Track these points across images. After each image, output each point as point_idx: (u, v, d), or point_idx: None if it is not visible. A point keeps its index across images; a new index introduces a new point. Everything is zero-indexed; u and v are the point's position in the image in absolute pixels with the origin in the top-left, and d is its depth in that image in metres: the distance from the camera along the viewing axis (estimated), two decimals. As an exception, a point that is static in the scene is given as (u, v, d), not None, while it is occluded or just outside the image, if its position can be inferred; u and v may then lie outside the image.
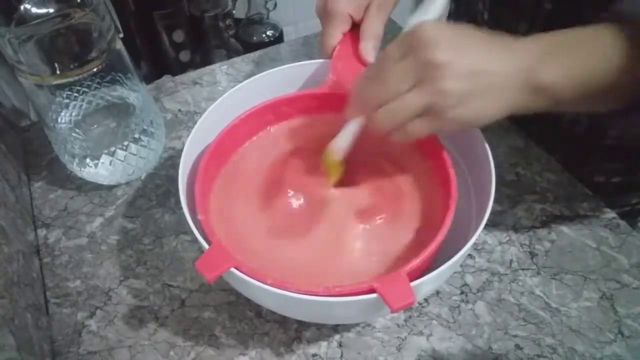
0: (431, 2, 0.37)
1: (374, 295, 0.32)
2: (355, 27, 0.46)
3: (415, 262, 0.33)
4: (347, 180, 0.43)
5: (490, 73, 0.32)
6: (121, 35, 0.49)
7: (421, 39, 0.31)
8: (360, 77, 0.36)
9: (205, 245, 0.35)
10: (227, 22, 1.11)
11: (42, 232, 0.52)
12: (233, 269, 0.33)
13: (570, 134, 0.53)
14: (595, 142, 0.53)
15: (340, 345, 0.42)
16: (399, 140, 0.35)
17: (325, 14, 0.46)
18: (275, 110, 0.45)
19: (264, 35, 1.22)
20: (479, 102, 0.32)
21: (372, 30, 0.45)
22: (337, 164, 0.40)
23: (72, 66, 0.45)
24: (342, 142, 0.39)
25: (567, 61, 0.32)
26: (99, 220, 0.52)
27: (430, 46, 0.31)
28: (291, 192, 0.43)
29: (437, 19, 0.37)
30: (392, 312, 0.31)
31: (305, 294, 0.32)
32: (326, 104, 0.46)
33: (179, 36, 1.03)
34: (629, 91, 0.33)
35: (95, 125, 0.53)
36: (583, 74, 0.32)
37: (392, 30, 0.72)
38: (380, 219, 0.41)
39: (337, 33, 0.46)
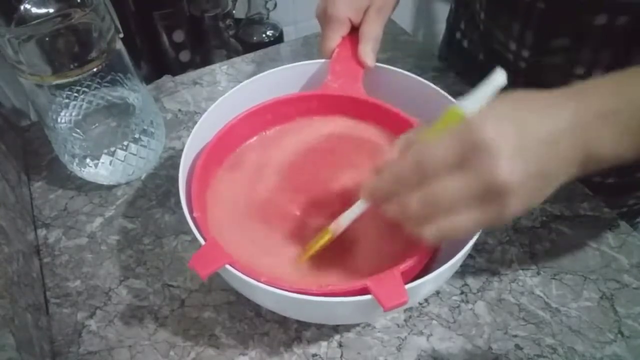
0: (487, 86, 0.30)
1: (367, 295, 0.32)
2: (354, 30, 0.47)
3: (410, 262, 0.33)
4: (346, 181, 0.43)
5: (551, 170, 0.28)
6: (121, 35, 0.49)
7: (483, 149, 0.27)
8: (398, 162, 0.30)
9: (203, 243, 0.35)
10: (227, 22, 1.10)
11: (42, 232, 0.52)
12: (227, 266, 0.33)
13: None
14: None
15: (340, 345, 0.42)
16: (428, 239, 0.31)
17: (325, 18, 0.46)
18: (274, 111, 0.45)
19: (264, 35, 1.22)
20: (540, 198, 0.29)
21: (371, 33, 0.45)
22: (328, 240, 0.37)
23: (72, 66, 0.45)
24: (344, 222, 0.36)
25: (620, 123, 0.29)
26: (99, 220, 0.52)
27: (494, 162, 0.26)
28: (289, 193, 0.43)
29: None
30: (385, 311, 0.31)
31: (298, 293, 0.32)
32: (325, 106, 0.46)
33: (179, 36, 1.03)
34: None
35: (95, 125, 0.53)
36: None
37: (391, 31, 0.72)
38: (377, 218, 0.41)
39: (337, 37, 0.46)
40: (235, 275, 0.33)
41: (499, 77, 0.29)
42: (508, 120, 0.28)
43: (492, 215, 0.28)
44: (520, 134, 0.27)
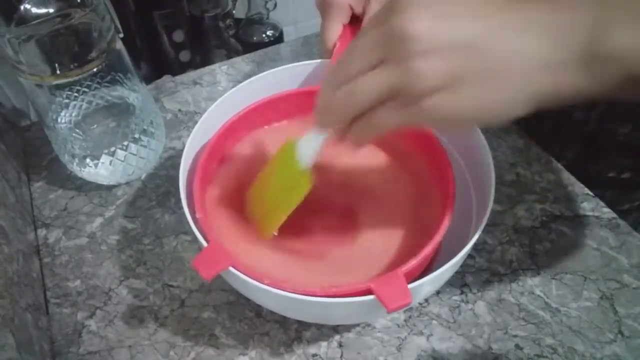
0: None
1: (370, 296, 0.32)
2: (356, 22, 0.46)
3: (413, 263, 0.33)
4: (346, 181, 0.43)
5: (494, 47, 0.22)
6: (121, 35, 0.49)
7: (395, 3, 0.23)
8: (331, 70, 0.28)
9: (205, 245, 0.35)
10: (227, 22, 1.10)
11: (42, 232, 0.52)
12: (230, 268, 0.33)
13: (582, 130, 0.53)
14: (605, 139, 0.52)
15: (340, 345, 0.42)
16: (360, 138, 0.27)
17: (325, 5, 0.45)
18: (274, 108, 0.45)
19: (264, 35, 1.22)
20: (475, 91, 0.22)
21: None
22: (306, 174, 0.34)
23: (72, 66, 0.45)
24: (308, 149, 0.33)
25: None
26: (99, 220, 0.52)
27: (400, 10, 0.22)
28: None
29: None
30: (389, 312, 0.31)
31: (302, 294, 0.32)
32: None
33: (179, 36, 1.03)
34: None
35: (95, 125, 0.53)
36: None
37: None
38: (378, 219, 0.41)
39: (337, 25, 0.45)
40: (238, 276, 0.33)
41: None
42: None
43: (396, 74, 0.23)
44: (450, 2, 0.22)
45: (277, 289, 0.33)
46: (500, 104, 0.23)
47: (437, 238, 0.34)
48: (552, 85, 0.22)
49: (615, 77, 0.21)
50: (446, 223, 0.35)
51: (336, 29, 0.45)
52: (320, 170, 0.44)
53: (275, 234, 0.38)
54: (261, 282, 0.33)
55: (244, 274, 0.33)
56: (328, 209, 0.42)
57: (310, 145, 0.33)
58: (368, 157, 0.44)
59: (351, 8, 0.45)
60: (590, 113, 0.52)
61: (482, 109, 0.23)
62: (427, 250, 0.34)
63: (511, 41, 0.22)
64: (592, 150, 0.54)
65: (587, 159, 0.53)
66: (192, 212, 0.38)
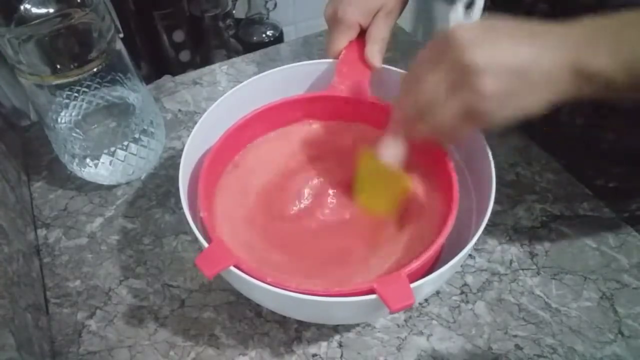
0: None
1: (373, 296, 0.32)
2: (361, 33, 0.47)
3: (416, 264, 0.33)
4: (346, 182, 0.43)
5: (529, 68, 0.30)
6: (121, 35, 0.49)
7: (453, 42, 0.30)
8: (400, 89, 0.35)
9: (205, 245, 0.35)
10: (227, 22, 1.10)
11: (42, 232, 0.52)
12: (232, 268, 0.33)
13: (568, 136, 0.53)
14: (592, 145, 0.53)
15: (340, 345, 0.42)
16: (441, 141, 0.36)
17: (334, 22, 0.46)
18: (280, 112, 0.45)
19: (264, 35, 1.22)
20: (520, 99, 0.31)
21: (379, 35, 0.45)
22: (400, 176, 0.38)
23: (72, 66, 0.45)
24: (392, 153, 0.37)
25: (617, 43, 0.30)
26: (99, 220, 0.52)
27: (462, 48, 0.30)
28: (294, 195, 0.43)
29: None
30: (392, 312, 0.31)
31: (305, 294, 0.32)
32: (331, 108, 0.46)
33: (179, 36, 1.03)
34: None
35: (95, 125, 0.53)
36: (635, 54, 0.29)
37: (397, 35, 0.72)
38: (381, 220, 0.41)
39: (345, 40, 0.46)
40: (239, 276, 0.33)
41: None
42: (484, 25, 0.31)
43: (470, 98, 0.30)
44: (494, 32, 0.30)
45: (280, 288, 0.33)
46: (537, 106, 0.31)
47: (440, 240, 0.34)
48: (565, 91, 0.30)
49: (600, 85, 0.30)
50: (449, 226, 0.35)
51: (343, 44, 0.46)
52: (326, 170, 0.44)
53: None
54: (264, 282, 0.33)
55: (246, 273, 0.33)
56: (333, 209, 0.42)
57: (392, 150, 0.37)
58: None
59: (359, 25, 0.46)
60: (575, 121, 0.52)
61: (522, 109, 0.31)
62: (430, 252, 0.34)
63: (541, 61, 0.30)
64: (578, 159, 0.54)
65: (574, 168, 0.53)
66: (192, 212, 0.38)
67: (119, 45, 0.48)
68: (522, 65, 0.30)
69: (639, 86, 0.30)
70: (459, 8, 0.37)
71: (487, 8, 0.56)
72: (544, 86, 0.30)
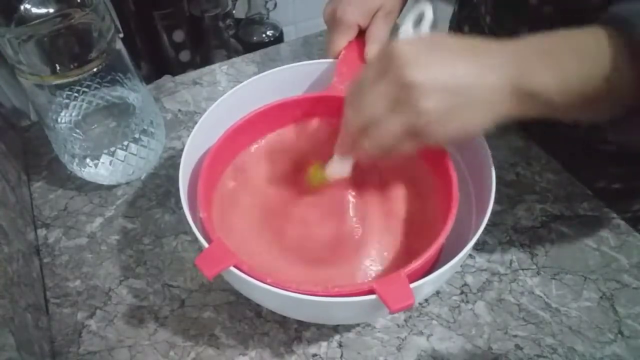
0: (413, 12, 0.36)
1: (373, 296, 0.32)
2: (361, 32, 0.47)
3: (416, 264, 0.33)
4: (347, 183, 0.43)
5: (470, 86, 0.30)
6: (121, 35, 0.49)
7: (393, 58, 0.30)
8: (344, 104, 0.35)
9: (205, 245, 0.35)
10: (227, 22, 1.11)
11: (42, 232, 0.52)
12: (232, 268, 0.33)
13: (570, 138, 0.53)
14: (595, 147, 0.53)
15: (340, 345, 0.42)
16: (387, 159, 0.35)
17: (333, 23, 0.46)
18: (280, 112, 0.45)
19: (264, 35, 1.22)
20: (461, 117, 0.31)
21: (378, 35, 0.45)
22: (323, 181, 0.40)
23: (72, 66, 0.45)
24: (337, 171, 0.39)
25: (558, 63, 0.30)
26: (99, 220, 0.52)
27: (402, 65, 0.30)
28: (294, 195, 0.43)
29: (424, 27, 0.35)
30: (391, 313, 0.31)
31: (305, 294, 0.32)
32: (331, 108, 0.46)
33: (179, 36, 1.03)
34: (625, 96, 0.31)
35: (95, 125, 0.53)
36: (575, 76, 0.30)
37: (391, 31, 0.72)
38: (381, 220, 0.41)
39: (344, 41, 0.46)
40: (240, 276, 0.33)
41: (427, 11, 0.35)
42: (427, 41, 0.31)
43: (410, 116, 0.30)
44: (435, 48, 0.30)
45: (280, 288, 0.33)
46: (479, 124, 0.31)
47: (440, 240, 0.34)
48: (508, 110, 0.31)
49: (542, 105, 0.31)
50: (449, 227, 0.35)
51: (342, 45, 0.46)
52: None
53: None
54: (264, 282, 0.33)
55: (247, 273, 0.33)
56: (333, 209, 0.42)
57: (338, 167, 0.38)
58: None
59: (358, 26, 0.46)
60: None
61: (469, 129, 0.31)
62: (430, 252, 0.34)
63: (482, 79, 0.30)
64: (579, 160, 0.54)
65: (574, 169, 0.53)
66: (193, 212, 0.38)
67: (119, 45, 0.48)
68: (462, 83, 0.30)
69: (578, 108, 0.31)
70: (408, 24, 0.37)
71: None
72: (486, 104, 0.30)
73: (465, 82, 0.30)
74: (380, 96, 0.31)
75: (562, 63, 0.30)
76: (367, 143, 0.33)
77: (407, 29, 0.37)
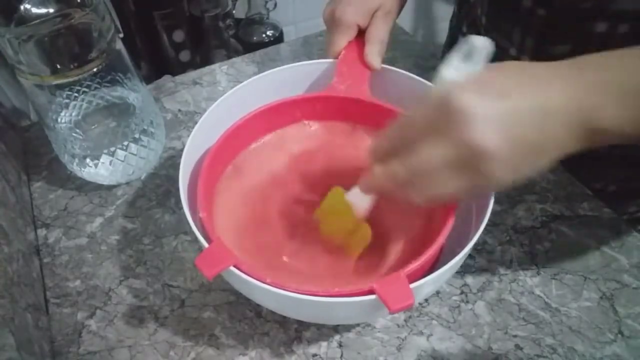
0: (468, 49, 0.31)
1: (373, 296, 0.32)
2: (361, 33, 0.47)
3: (415, 264, 0.33)
4: (347, 183, 0.43)
5: (541, 144, 0.28)
6: (121, 35, 0.49)
7: (456, 114, 0.27)
8: (386, 140, 0.32)
9: (205, 245, 0.35)
10: (227, 22, 1.10)
11: (42, 232, 0.52)
12: (232, 268, 0.33)
13: None
14: (596, 149, 0.53)
15: (340, 345, 0.42)
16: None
17: (332, 23, 0.46)
18: (280, 112, 0.45)
19: (264, 35, 1.22)
20: (528, 170, 0.29)
21: (378, 36, 0.45)
22: (364, 229, 0.38)
23: (72, 66, 0.45)
24: (358, 205, 0.36)
25: (623, 95, 0.27)
26: (99, 220, 0.52)
27: (468, 126, 0.26)
28: (294, 195, 0.43)
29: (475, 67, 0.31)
30: (391, 313, 0.31)
31: (305, 294, 0.32)
32: (331, 108, 0.46)
33: (179, 36, 1.03)
34: None
35: (95, 125, 0.53)
36: None
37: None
38: (380, 220, 0.41)
39: (344, 41, 0.46)
40: (239, 276, 0.33)
41: (479, 42, 0.30)
42: (489, 88, 0.27)
43: (476, 181, 0.28)
44: (501, 101, 0.27)
45: (280, 288, 0.33)
46: (539, 170, 0.29)
47: (440, 240, 0.34)
48: (572, 149, 0.29)
49: (611, 139, 0.29)
50: (449, 225, 0.35)
51: (342, 45, 0.46)
52: (325, 174, 0.44)
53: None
54: (264, 282, 0.33)
55: (247, 273, 0.33)
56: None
57: (359, 202, 0.37)
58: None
59: (358, 26, 0.46)
60: None
61: (528, 175, 0.29)
62: (430, 252, 0.34)
63: (551, 129, 0.27)
64: (576, 161, 0.54)
65: (573, 169, 0.53)
66: (193, 212, 0.38)
67: (119, 45, 0.48)
68: (534, 142, 0.27)
69: None
70: (454, 60, 0.32)
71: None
72: (554, 151, 0.28)
73: (537, 139, 0.27)
74: (440, 153, 0.28)
75: (622, 89, 0.28)
76: (415, 193, 0.30)
77: (454, 68, 0.33)
